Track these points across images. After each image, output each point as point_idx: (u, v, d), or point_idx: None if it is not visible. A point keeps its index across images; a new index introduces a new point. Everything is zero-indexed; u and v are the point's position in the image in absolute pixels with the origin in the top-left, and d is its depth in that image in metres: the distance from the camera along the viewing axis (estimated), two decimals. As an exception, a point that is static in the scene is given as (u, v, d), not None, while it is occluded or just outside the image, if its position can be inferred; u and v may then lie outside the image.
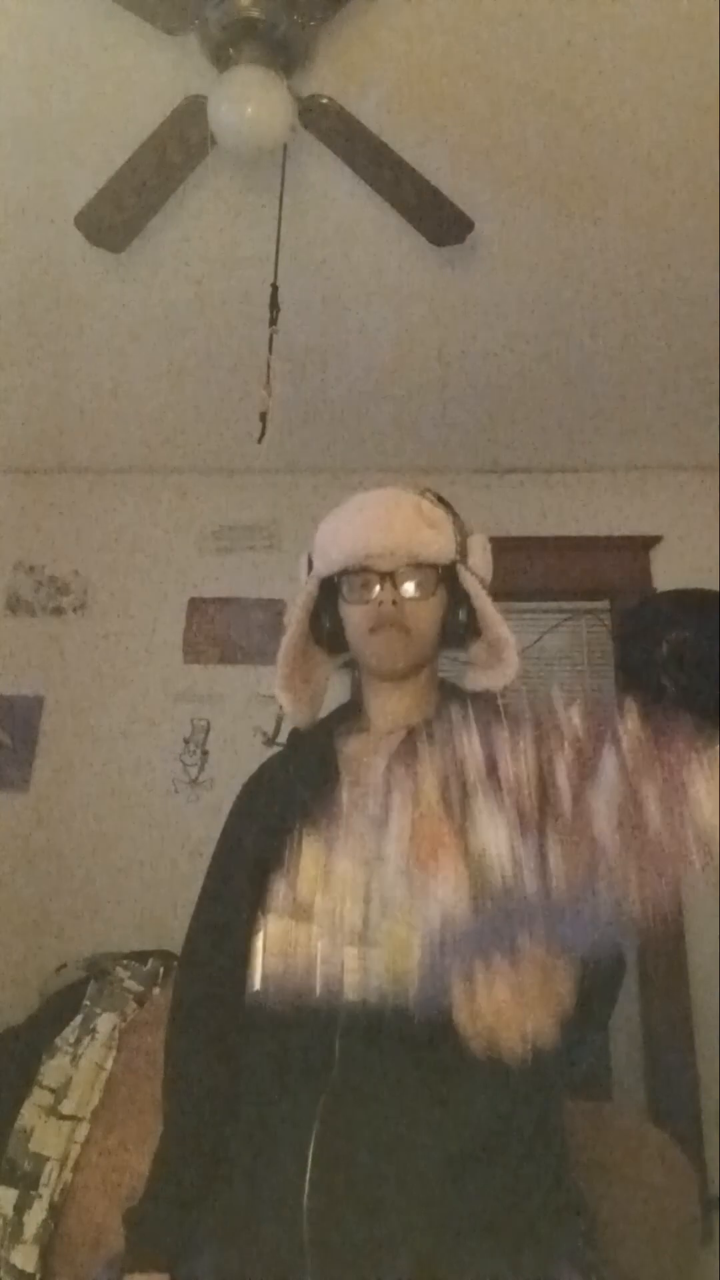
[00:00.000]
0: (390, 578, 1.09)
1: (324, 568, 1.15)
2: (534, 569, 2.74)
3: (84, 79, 1.66)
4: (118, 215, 1.78)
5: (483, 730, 0.60)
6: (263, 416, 1.76)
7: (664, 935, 2.44)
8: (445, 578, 1.13)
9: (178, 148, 1.65)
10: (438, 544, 1.11)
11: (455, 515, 1.18)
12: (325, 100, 1.60)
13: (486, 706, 1.11)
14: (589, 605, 2.79)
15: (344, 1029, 0.92)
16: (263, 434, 1.74)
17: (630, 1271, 1.32)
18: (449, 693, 1.17)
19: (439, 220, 1.79)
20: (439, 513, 1.15)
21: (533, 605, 2.77)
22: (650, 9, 1.50)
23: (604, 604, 2.78)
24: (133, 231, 1.83)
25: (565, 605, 2.79)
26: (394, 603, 1.08)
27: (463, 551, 1.15)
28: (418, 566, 1.10)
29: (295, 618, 1.20)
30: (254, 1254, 0.91)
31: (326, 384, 2.51)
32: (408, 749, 1.06)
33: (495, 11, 1.52)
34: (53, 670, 2.80)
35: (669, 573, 2.74)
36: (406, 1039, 0.92)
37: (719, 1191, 2.14)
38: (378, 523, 1.11)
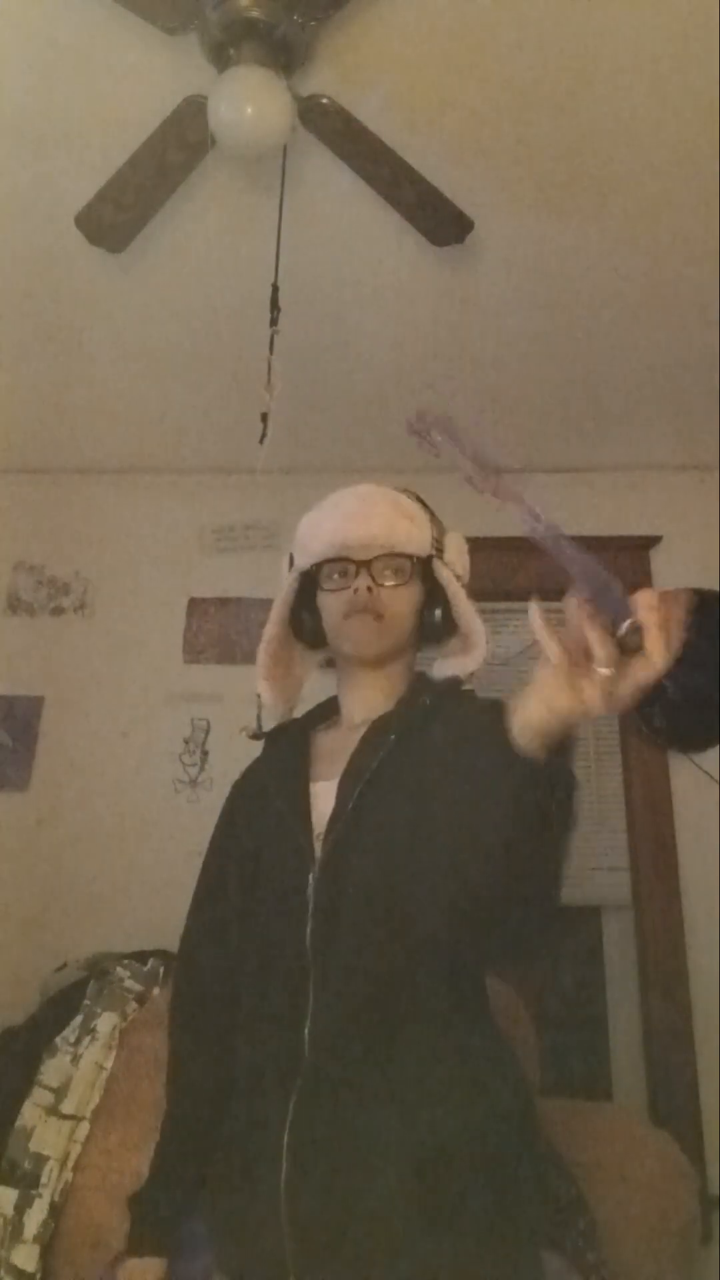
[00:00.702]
0: (367, 566, 1.11)
1: (303, 560, 1.17)
2: (534, 569, 2.74)
3: (84, 79, 1.66)
4: (118, 215, 1.78)
5: None
6: (264, 417, 1.76)
7: (664, 935, 2.44)
8: (421, 571, 1.15)
9: (178, 148, 1.65)
10: (414, 536, 1.14)
11: (432, 515, 1.20)
12: (325, 100, 1.60)
13: (451, 692, 1.12)
14: (589, 605, 2.79)
15: (313, 1018, 0.93)
16: (264, 434, 1.74)
17: (630, 1271, 1.32)
18: (416, 683, 1.18)
19: (439, 220, 1.78)
20: (416, 507, 1.17)
21: (533, 605, 2.76)
22: (650, 9, 1.50)
23: (604, 604, 2.78)
24: (133, 231, 1.82)
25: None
26: (369, 589, 1.10)
27: (439, 547, 1.17)
28: (394, 556, 1.12)
29: (275, 611, 1.23)
30: (243, 1250, 0.92)
31: (326, 384, 2.51)
32: (370, 737, 1.07)
33: (495, 11, 1.52)
34: (53, 670, 2.79)
35: (669, 573, 2.74)
36: (374, 1030, 0.93)
37: (719, 1191, 2.14)
38: (355, 515, 1.14)
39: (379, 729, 1.08)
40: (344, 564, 1.12)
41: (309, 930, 0.97)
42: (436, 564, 1.16)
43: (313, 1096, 0.91)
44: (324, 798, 1.05)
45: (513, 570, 2.69)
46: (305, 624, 1.20)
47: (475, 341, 2.33)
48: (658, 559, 2.78)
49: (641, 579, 2.74)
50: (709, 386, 2.45)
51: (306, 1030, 0.93)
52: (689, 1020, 2.36)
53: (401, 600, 1.12)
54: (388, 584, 1.11)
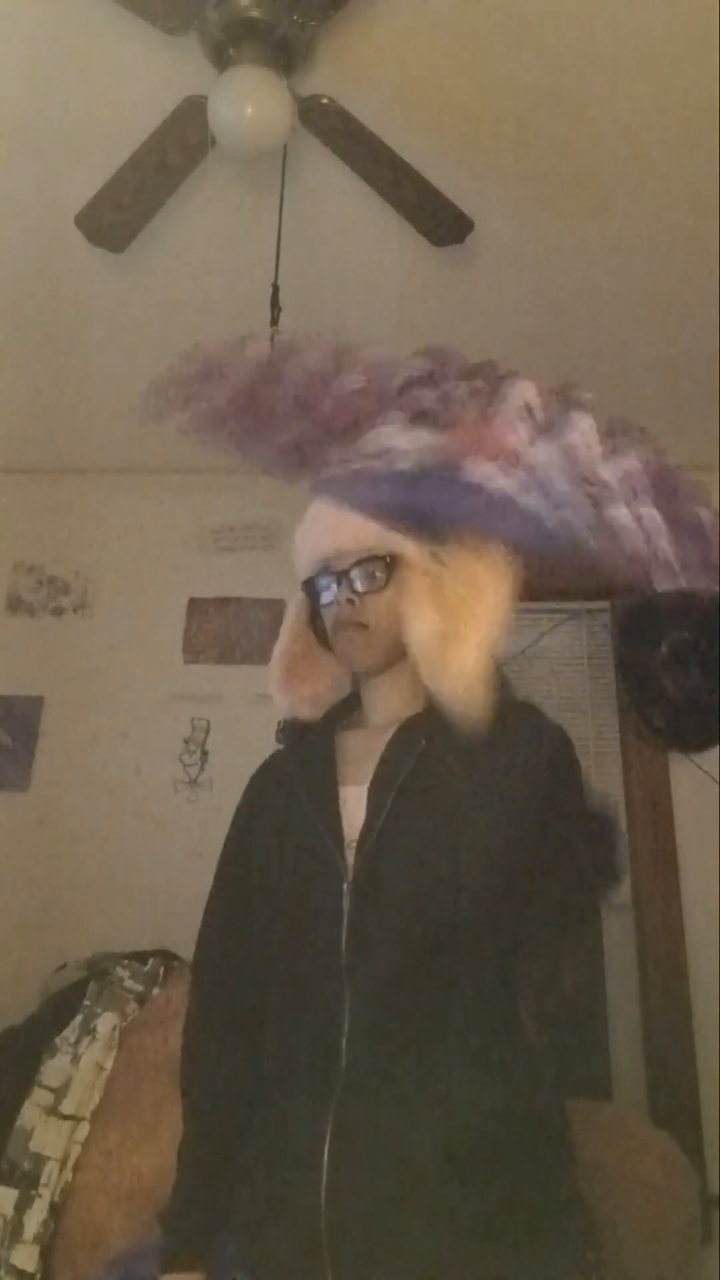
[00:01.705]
0: (345, 576, 1.10)
1: (300, 575, 1.19)
2: (534, 569, 2.73)
3: (84, 79, 1.66)
4: (118, 215, 1.78)
5: None
6: (263, 416, 1.76)
7: (664, 935, 2.44)
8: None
9: (177, 148, 1.65)
10: (385, 533, 1.09)
11: None
12: (325, 100, 1.60)
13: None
14: (589, 605, 2.79)
15: (350, 1029, 0.93)
16: (263, 434, 1.74)
17: (630, 1271, 1.32)
18: None
19: (439, 220, 1.79)
20: None
21: (533, 605, 2.77)
22: (650, 9, 1.50)
23: (604, 604, 2.78)
24: (133, 231, 1.83)
25: (565, 605, 2.79)
26: (350, 601, 1.09)
27: None
28: (369, 560, 1.10)
29: (288, 626, 1.22)
30: (276, 1253, 0.91)
31: (326, 384, 2.51)
32: (399, 743, 1.06)
33: (495, 11, 1.52)
34: (53, 670, 2.80)
35: (669, 573, 2.74)
36: (414, 1040, 0.92)
37: (719, 1191, 2.14)
38: (325, 528, 1.13)
39: (406, 733, 1.07)
40: (328, 578, 1.12)
41: (344, 942, 0.96)
42: None
43: (353, 1108, 0.90)
44: (354, 804, 1.04)
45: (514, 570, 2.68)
46: (322, 631, 1.20)
47: (475, 341, 2.31)
48: (658, 559, 2.77)
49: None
50: (709, 386, 2.45)
51: (344, 1042, 0.93)
52: (689, 1020, 2.36)
53: (383, 605, 1.10)
54: (364, 590, 1.10)
